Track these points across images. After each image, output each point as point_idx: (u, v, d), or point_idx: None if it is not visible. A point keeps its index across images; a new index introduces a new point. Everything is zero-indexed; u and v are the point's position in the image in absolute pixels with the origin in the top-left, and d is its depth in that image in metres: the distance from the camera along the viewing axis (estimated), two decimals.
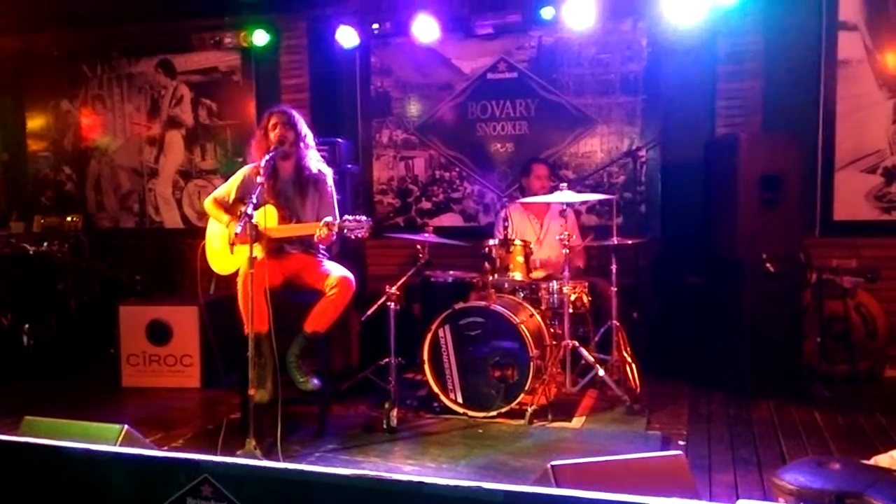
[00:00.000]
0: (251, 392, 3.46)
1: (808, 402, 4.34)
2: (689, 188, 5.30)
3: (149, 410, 4.59)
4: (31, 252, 5.64)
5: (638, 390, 4.41)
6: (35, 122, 7.07)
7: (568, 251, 4.40)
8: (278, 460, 3.31)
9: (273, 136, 3.99)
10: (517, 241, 4.57)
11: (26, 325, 5.55)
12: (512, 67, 5.88)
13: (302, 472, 1.64)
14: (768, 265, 4.43)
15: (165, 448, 3.72)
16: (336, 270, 3.97)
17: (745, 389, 4.49)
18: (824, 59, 5.22)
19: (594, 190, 5.40)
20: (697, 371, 4.87)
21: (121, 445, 2.23)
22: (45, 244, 5.78)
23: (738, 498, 3.02)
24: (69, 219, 6.38)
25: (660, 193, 5.61)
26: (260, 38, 6.07)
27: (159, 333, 5.05)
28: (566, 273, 4.40)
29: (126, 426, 2.33)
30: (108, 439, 2.26)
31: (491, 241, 4.61)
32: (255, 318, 3.46)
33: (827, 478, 2.53)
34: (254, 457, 3.29)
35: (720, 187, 4.81)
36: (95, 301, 5.95)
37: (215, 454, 1.91)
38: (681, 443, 3.74)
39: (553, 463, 1.98)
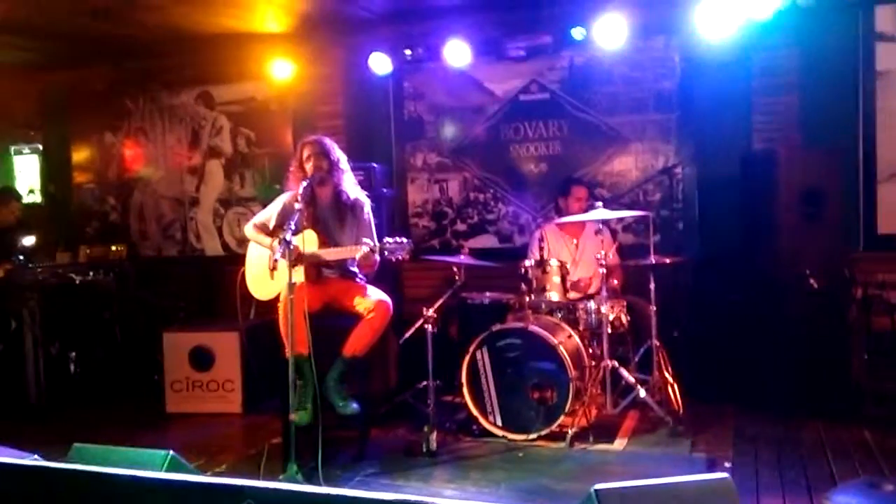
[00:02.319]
0: (292, 416, 3.48)
1: (858, 422, 4.22)
2: (727, 204, 5.23)
3: (192, 436, 4.65)
4: (77, 282, 5.78)
5: (681, 411, 4.34)
6: (80, 155, 7.28)
7: (605, 271, 4.37)
8: (319, 485, 3.32)
9: (308, 167, 4.06)
10: (553, 262, 4.55)
11: (73, 354, 5.68)
12: (544, 88, 5.89)
13: (344, 496, 1.65)
14: (812, 281, 4.35)
15: (209, 473, 3.76)
16: (374, 294, 4.00)
17: (792, 409, 4.39)
18: (862, 71, 5.14)
19: (630, 208, 5.36)
20: (742, 391, 4.76)
21: (167, 472, 2.27)
22: (91, 273, 5.92)
23: None
24: (114, 248, 6.53)
25: (697, 210, 5.54)
26: (287, 69, 6.14)
27: (202, 359, 5.13)
28: (604, 293, 4.37)
29: (172, 452, 2.37)
30: (154, 465, 2.29)
31: (527, 262, 4.60)
32: (295, 342, 3.50)
33: (880, 499, 2.46)
34: (295, 481, 3.31)
35: (759, 203, 4.74)
36: (140, 328, 6.07)
37: (258, 479, 1.93)
38: (727, 465, 3.67)
39: (597, 487, 1.96)
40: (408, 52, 5.91)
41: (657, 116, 5.61)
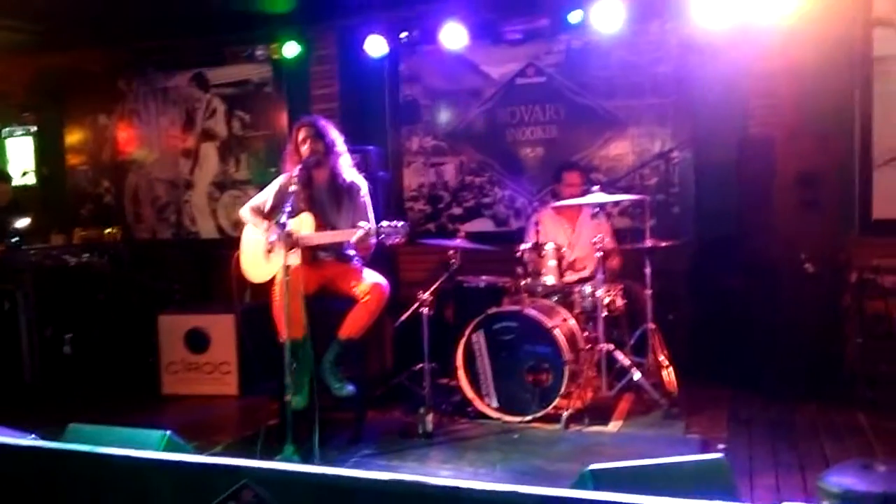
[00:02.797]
0: (288, 397, 3.49)
1: (852, 405, 4.25)
2: (723, 189, 5.23)
3: (188, 417, 4.66)
4: (71, 264, 5.76)
5: (675, 394, 4.37)
6: (74, 137, 7.23)
7: (602, 254, 4.38)
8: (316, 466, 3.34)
9: (304, 150, 4.04)
10: (549, 246, 4.56)
11: (68, 336, 5.67)
12: (540, 72, 5.87)
13: (341, 476, 1.66)
14: (807, 266, 4.36)
15: (205, 454, 3.76)
16: (369, 277, 4.00)
17: (786, 392, 4.42)
18: (860, 56, 5.13)
19: (626, 193, 5.36)
20: (736, 374, 4.79)
21: (164, 452, 2.27)
22: (86, 256, 5.89)
23: (780, 501, 2.97)
24: (108, 231, 6.51)
25: (693, 195, 5.54)
26: (290, 50, 6.13)
27: (197, 342, 5.14)
28: (600, 276, 4.38)
29: (169, 432, 2.37)
30: (152, 445, 2.30)
31: (523, 246, 4.60)
32: (291, 325, 3.50)
33: (873, 480, 2.48)
34: (292, 462, 3.32)
35: (755, 187, 4.75)
36: (135, 311, 6.06)
37: (253, 460, 1.93)
38: (721, 446, 3.69)
39: (591, 466, 1.97)
40: (403, 34, 5.87)
41: (654, 100, 5.59)
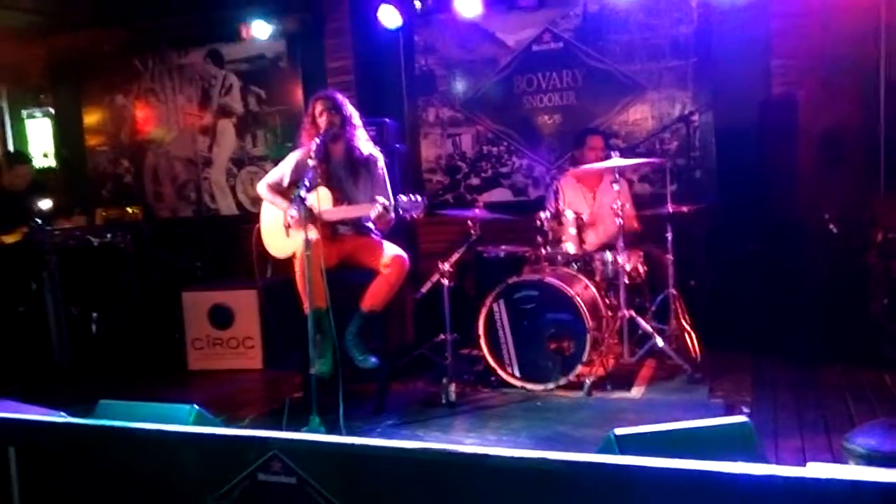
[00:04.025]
0: (313, 369, 3.52)
1: (877, 365, 4.21)
2: (745, 151, 5.15)
3: (214, 392, 4.73)
4: (95, 244, 5.82)
5: (698, 358, 4.35)
6: (92, 118, 7.25)
7: (622, 221, 4.34)
8: (342, 436, 3.37)
9: (321, 122, 4.03)
10: (568, 213, 4.53)
11: (94, 314, 5.75)
12: (557, 37, 5.78)
13: (368, 446, 1.67)
14: (831, 226, 4.30)
15: (232, 427, 3.82)
16: (390, 249, 4.00)
17: (811, 354, 4.38)
18: (884, 12, 4.99)
19: (646, 158, 5.29)
20: (760, 338, 4.76)
21: (193, 426, 2.30)
22: (109, 235, 5.95)
23: (806, 462, 2.96)
24: (130, 210, 6.55)
25: (715, 158, 5.47)
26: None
27: (221, 317, 5.19)
28: (620, 243, 4.35)
29: (197, 407, 2.40)
30: (180, 420, 2.33)
31: (542, 214, 4.57)
32: (313, 296, 3.52)
33: None
34: (319, 433, 3.35)
35: (778, 148, 4.67)
36: (159, 288, 6.13)
37: (280, 432, 1.95)
38: (745, 410, 3.68)
39: (616, 431, 1.97)
40: (417, 4, 5.80)
41: (674, 63, 5.50)
